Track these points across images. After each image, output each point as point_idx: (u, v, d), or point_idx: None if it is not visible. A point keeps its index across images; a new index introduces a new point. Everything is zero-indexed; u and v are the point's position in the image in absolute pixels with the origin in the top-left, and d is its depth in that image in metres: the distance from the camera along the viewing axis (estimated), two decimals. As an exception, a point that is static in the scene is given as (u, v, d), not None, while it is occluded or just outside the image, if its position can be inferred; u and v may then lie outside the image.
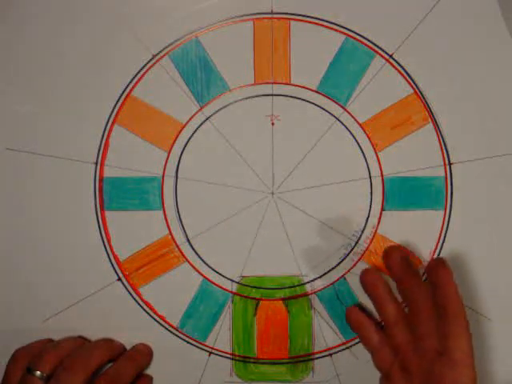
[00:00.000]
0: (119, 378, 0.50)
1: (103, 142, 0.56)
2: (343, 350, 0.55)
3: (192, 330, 0.56)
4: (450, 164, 0.55)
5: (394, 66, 0.56)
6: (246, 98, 0.56)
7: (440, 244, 0.55)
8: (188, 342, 0.56)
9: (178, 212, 0.56)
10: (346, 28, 0.56)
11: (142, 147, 0.56)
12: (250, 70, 0.56)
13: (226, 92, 0.56)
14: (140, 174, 0.56)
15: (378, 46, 0.56)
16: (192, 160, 0.56)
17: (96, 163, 0.56)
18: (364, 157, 0.56)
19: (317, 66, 0.56)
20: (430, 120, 0.55)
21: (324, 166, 0.56)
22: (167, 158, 0.56)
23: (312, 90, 0.56)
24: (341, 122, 0.56)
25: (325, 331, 0.55)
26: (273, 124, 0.56)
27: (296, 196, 0.56)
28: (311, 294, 0.56)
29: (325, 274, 0.56)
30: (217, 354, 0.56)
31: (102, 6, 0.56)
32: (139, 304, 0.56)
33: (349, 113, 0.56)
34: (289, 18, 0.56)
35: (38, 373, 0.48)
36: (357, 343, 0.55)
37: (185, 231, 0.56)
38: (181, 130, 0.56)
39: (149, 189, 0.56)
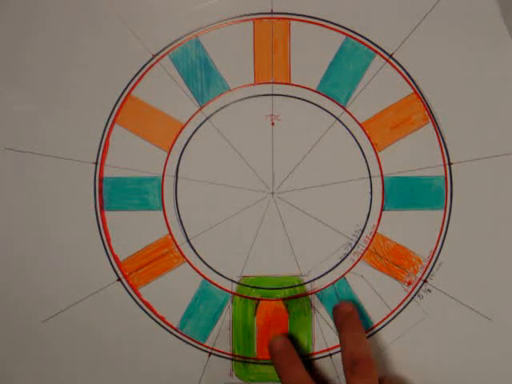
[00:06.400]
0: None
1: (103, 141, 0.56)
2: (343, 349, 0.55)
3: (192, 330, 0.56)
4: (449, 164, 0.55)
5: (394, 66, 0.56)
6: (246, 98, 0.56)
7: (440, 244, 0.55)
8: (188, 343, 0.56)
9: (178, 212, 0.56)
10: (346, 28, 0.56)
11: (142, 147, 0.56)
12: (250, 70, 0.56)
13: (226, 92, 0.56)
14: (140, 174, 0.56)
15: (378, 46, 0.56)
16: (192, 160, 0.56)
17: (96, 163, 0.56)
18: (364, 157, 0.56)
19: (317, 65, 0.56)
20: (429, 120, 0.55)
21: (324, 166, 0.56)
22: (167, 158, 0.56)
23: (312, 90, 0.56)
24: (341, 122, 0.56)
25: (325, 331, 0.55)
26: (273, 124, 0.56)
27: (296, 196, 0.56)
28: (311, 293, 0.56)
29: (325, 273, 0.56)
30: (217, 355, 0.56)
31: (101, 7, 0.56)
32: (139, 304, 0.56)
33: (349, 113, 0.56)
34: (289, 18, 0.56)
35: None
36: (357, 343, 0.55)
37: (185, 231, 0.56)
38: (181, 130, 0.56)
39: (149, 189, 0.56)
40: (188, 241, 0.56)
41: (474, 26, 0.55)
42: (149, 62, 0.56)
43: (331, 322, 0.56)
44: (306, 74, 0.56)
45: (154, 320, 0.56)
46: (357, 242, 0.56)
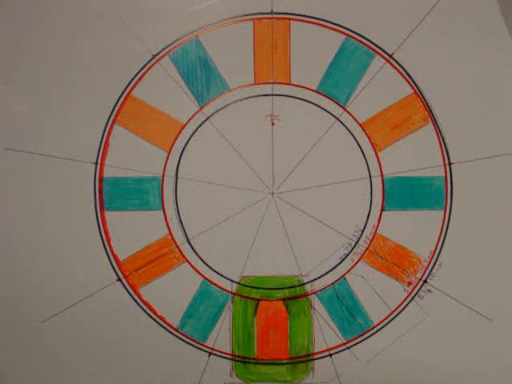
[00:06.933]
0: None
1: (103, 141, 0.56)
2: (343, 350, 0.55)
3: (192, 330, 0.56)
4: (449, 164, 0.55)
5: (394, 66, 0.56)
6: (246, 98, 0.56)
7: (440, 244, 0.55)
8: (188, 343, 0.56)
9: (178, 212, 0.56)
10: (346, 28, 0.56)
11: (142, 147, 0.56)
12: (250, 70, 0.56)
13: (226, 92, 0.56)
14: (140, 174, 0.56)
15: (378, 46, 0.56)
16: (192, 160, 0.56)
17: (96, 163, 0.56)
18: (364, 157, 0.56)
19: (317, 65, 0.56)
20: (429, 120, 0.55)
21: (324, 166, 0.56)
22: (167, 158, 0.56)
23: (312, 90, 0.56)
24: (341, 122, 0.56)
25: (325, 331, 0.55)
26: (273, 124, 0.56)
27: (296, 196, 0.56)
28: (311, 294, 0.56)
29: (325, 274, 0.56)
30: (217, 355, 0.56)
31: (102, 7, 0.56)
32: (139, 304, 0.56)
33: (349, 113, 0.56)
34: (289, 18, 0.56)
35: None
36: (357, 343, 0.55)
37: (185, 231, 0.56)
38: (181, 130, 0.56)
39: (149, 189, 0.56)
40: (188, 241, 0.56)
41: (473, 26, 0.55)
42: (149, 61, 0.56)
43: (331, 322, 0.55)
44: (306, 74, 0.56)
45: (154, 320, 0.56)
46: (357, 243, 0.56)
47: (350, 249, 0.56)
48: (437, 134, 0.55)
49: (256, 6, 0.56)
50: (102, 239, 0.56)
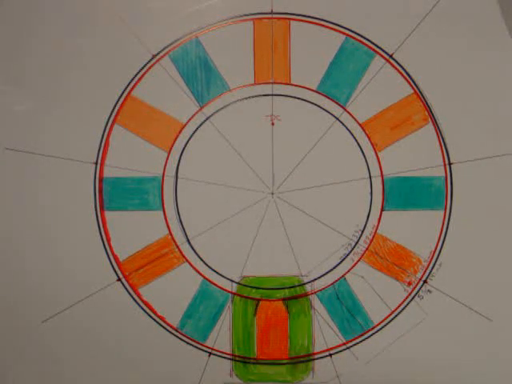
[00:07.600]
0: None
1: (103, 141, 0.56)
2: (343, 350, 0.55)
3: (192, 330, 0.56)
4: (449, 164, 0.55)
5: (394, 66, 0.56)
6: (246, 98, 0.56)
7: (440, 244, 0.55)
8: (188, 343, 0.56)
9: (178, 212, 0.56)
10: (346, 28, 0.56)
11: (142, 147, 0.56)
12: (250, 70, 0.56)
13: (226, 92, 0.56)
14: (140, 174, 0.56)
15: (378, 46, 0.56)
16: (192, 160, 0.56)
17: (96, 163, 0.56)
18: (364, 157, 0.56)
19: (317, 65, 0.56)
20: (429, 120, 0.55)
21: (324, 166, 0.56)
22: (167, 158, 0.56)
23: (312, 90, 0.56)
24: (341, 122, 0.56)
25: (325, 331, 0.55)
26: (273, 124, 0.56)
27: (296, 196, 0.56)
28: (311, 294, 0.56)
29: (325, 274, 0.56)
30: (216, 355, 0.56)
31: (101, 7, 0.56)
32: (139, 304, 0.56)
33: (349, 113, 0.56)
34: (289, 18, 0.56)
35: None
36: (357, 343, 0.55)
37: (185, 231, 0.56)
38: (181, 130, 0.56)
39: (149, 189, 0.56)
40: (188, 241, 0.56)
41: (473, 26, 0.55)
42: (149, 61, 0.56)
43: (331, 322, 0.55)
44: (306, 74, 0.56)
45: (154, 320, 0.56)
46: (357, 243, 0.56)
47: (349, 249, 0.56)
48: (437, 134, 0.55)
49: (256, 6, 0.56)
50: (102, 239, 0.56)
